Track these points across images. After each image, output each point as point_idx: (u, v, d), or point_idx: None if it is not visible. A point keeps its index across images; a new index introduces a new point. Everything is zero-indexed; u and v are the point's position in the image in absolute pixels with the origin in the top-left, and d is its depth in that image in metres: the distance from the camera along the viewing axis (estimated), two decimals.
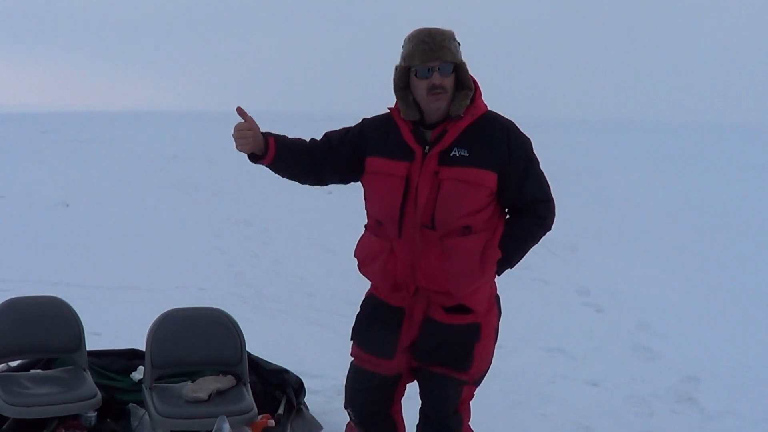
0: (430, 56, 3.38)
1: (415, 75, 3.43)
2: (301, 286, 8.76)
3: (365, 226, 3.76)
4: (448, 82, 3.41)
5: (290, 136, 3.73)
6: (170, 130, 40.65)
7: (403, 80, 3.50)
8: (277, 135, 3.63)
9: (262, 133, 3.55)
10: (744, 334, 7.46)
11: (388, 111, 3.63)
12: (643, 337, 7.20)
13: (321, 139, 3.74)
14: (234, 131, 3.51)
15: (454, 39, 3.45)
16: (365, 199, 3.71)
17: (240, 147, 3.54)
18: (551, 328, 7.43)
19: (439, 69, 3.38)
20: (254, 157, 3.60)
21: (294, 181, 3.80)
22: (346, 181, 3.79)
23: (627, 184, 19.99)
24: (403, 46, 3.48)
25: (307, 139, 3.76)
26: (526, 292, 8.54)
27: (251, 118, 3.53)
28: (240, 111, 3.53)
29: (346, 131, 3.74)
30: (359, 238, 3.77)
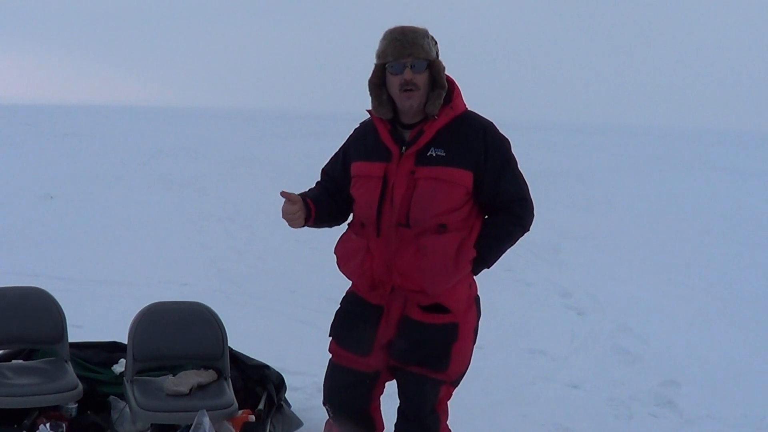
0: (403, 52, 3.42)
1: (390, 72, 3.47)
2: (283, 282, 8.76)
3: (348, 224, 3.79)
4: (421, 79, 3.45)
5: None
6: (156, 125, 40.64)
7: (379, 77, 3.55)
8: (308, 194, 3.78)
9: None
10: (724, 337, 7.50)
11: (368, 114, 3.68)
12: (624, 340, 7.23)
13: (322, 178, 3.88)
14: (283, 214, 3.65)
15: (428, 37, 3.49)
16: (354, 202, 3.75)
17: (293, 225, 3.68)
18: (532, 330, 7.45)
19: (412, 66, 3.42)
20: None
21: (327, 227, 3.92)
22: None
23: (611, 187, 20.08)
24: (378, 44, 3.52)
25: (315, 186, 3.90)
26: (508, 294, 8.58)
27: (294, 195, 3.65)
28: (285, 194, 3.62)
29: (336, 156, 3.85)
30: (340, 235, 3.79)
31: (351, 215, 3.81)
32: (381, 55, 3.50)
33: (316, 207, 3.71)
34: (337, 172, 3.80)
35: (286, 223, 3.68)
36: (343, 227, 3.83)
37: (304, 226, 3.72)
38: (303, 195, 3.71)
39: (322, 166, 3.90)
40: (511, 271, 9.27)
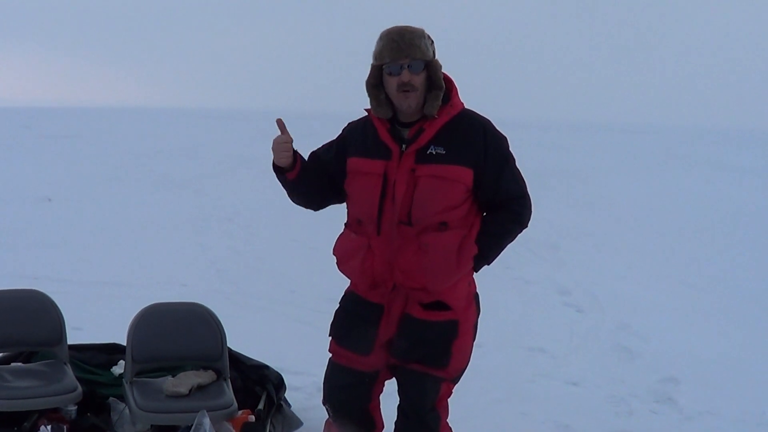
0: (400, 54, 3.42)
1: (387, 73, 3.47)
2: (282, 282, 8.75)
3: (345, 224, 3.79)
4: (418, 80, 3.45)
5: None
6: (154, 126, 40.54)
7: (376, 78, 3.55)
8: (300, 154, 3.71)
9: None
10: (723, 335, 7.51)
11: (366, 113, 3.67)
12: (624, 337, 7.23)
13: (310, 158, 3.81)
14: (274, 144, 3.58)
15: (425, 37, 3.49)
16: (346, 199, 3.74)
17: (281, 159, 3.60)
18: (532, 328, 7.45)
19: (409, 66, 3.43)
20: (280, 170, 3.66)
21: (299, 204, 3.87)
22: (341, 195, 3.80)
23: (610, 185, 20.06)
24: (375, 45, 3.52)
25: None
26: (507, 291, 8.57)
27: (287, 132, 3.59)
28: (280, 124, 3.58)
29: (330, 144, 3.83)
30: (338, 235, 3.79)
31: (346, 215, 3.80)
32: (378, 56, 3.50)
33: (303, 164, 3.67)
34: (329, 158, 3.76)
35: (273, 156, 3.60)
36: (340, 228, 3.82)
37: (289, 167, 3.62)
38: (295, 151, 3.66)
39: (313, 150, 3.85)
40: (510, 269, 9.26)
